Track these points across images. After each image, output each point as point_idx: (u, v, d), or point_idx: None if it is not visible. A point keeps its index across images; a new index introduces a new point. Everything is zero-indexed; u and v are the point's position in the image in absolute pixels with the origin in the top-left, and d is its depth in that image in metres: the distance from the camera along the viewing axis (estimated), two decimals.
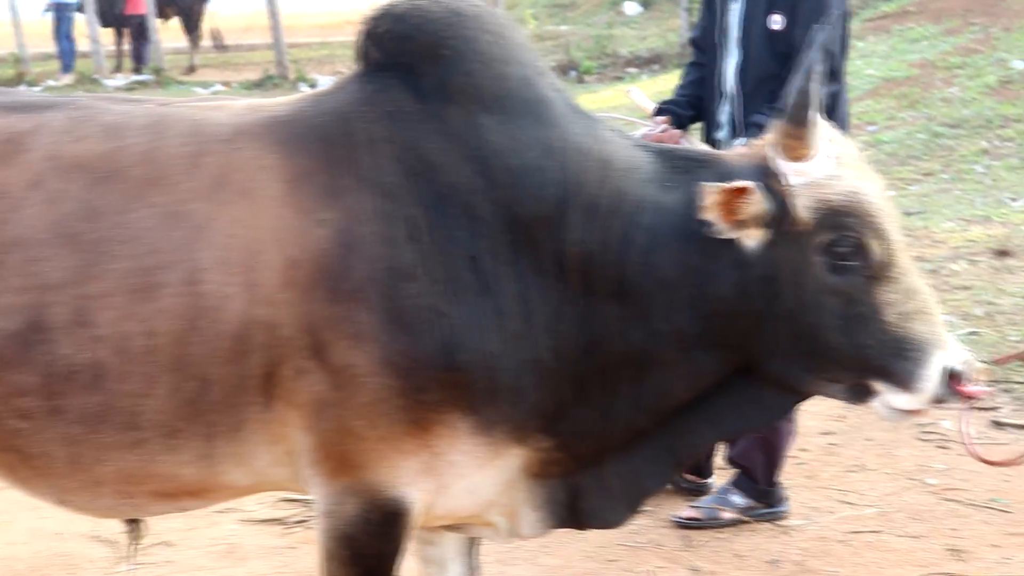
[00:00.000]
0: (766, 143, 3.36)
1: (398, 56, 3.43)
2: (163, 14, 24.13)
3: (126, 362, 3.29)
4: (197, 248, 3.30)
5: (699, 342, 3.36)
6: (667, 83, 18.06)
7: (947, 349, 3.27)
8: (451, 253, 3.29)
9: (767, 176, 3.29)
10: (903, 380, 3.26)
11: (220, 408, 3.33)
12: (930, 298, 3.33)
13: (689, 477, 5.68)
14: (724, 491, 5.50)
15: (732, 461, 5.51)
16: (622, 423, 3.46)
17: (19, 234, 3.32)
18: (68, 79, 22.60)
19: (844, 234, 3.23)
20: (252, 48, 24.61)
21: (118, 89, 21.51)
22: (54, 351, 3.29)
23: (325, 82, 20.97)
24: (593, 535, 5.24)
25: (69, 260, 3.30)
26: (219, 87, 21.14)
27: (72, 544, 5.27)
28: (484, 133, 3.35)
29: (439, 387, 3.29)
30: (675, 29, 22.12)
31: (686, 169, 3.44)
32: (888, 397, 3.30)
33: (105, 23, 23.55)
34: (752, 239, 3.28)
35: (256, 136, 3.42)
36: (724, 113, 5.25)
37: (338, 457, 3.35)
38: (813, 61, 3.16)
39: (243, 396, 3.33)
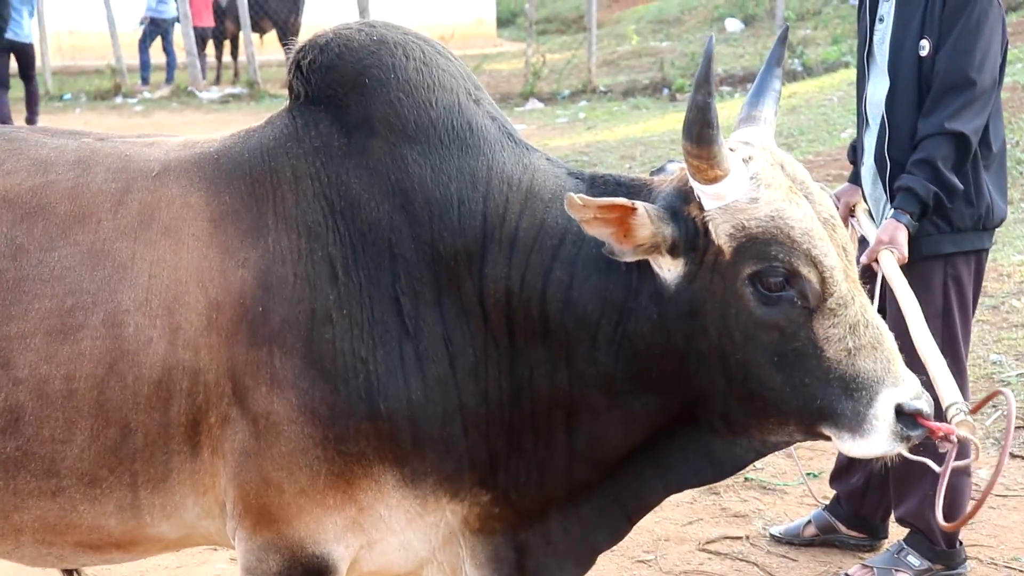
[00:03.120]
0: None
1: (323, 88, 3.31)
2: (258, 27, 24.29)
3: (44, 406, 3.20)
4: (119, 289, 3.20)
5: (627, 384, 3.16)
6: None
7: (899, 386, 3.00)
8: (372, 294, 3.17)
9: (687, 200, 3.06)
10: (850, 423, 2.99)
11: (144, 456, 3.22)
12: (882, 332, 3.05)
13: (855, 534, 5.41)
14: (900, 550, 5.13)
15: (903, 522, 5.14)
16: (561, 473, 3.28)
17: None
18: (165, 91, 22.82)
19: (771, 262, 2.98)
20: None
21: (211, 102, 21.67)
22: None
23: None
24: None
25: None
26: None
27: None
28: (406, 165, 3.22)
29: (361, 437, 3.15)
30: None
31: (613, 195, 3.21)
32: (839, 444, 3.04)
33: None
34: (668, 270, 3.07)
35: (183, 173, 3.31)
36: (869, 143, 4.93)
37: (259, 510, 3.23)
38: (703, 73, 2.91)
39: (168, 444, 3.22)
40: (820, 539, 5.42)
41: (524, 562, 3.40)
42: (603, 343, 3.15)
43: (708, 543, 5.49)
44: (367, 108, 3.26)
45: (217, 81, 24.15)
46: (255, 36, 24.12)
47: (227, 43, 24.84)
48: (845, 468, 5.40)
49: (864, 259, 4.66)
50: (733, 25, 26.66)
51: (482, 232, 3.19)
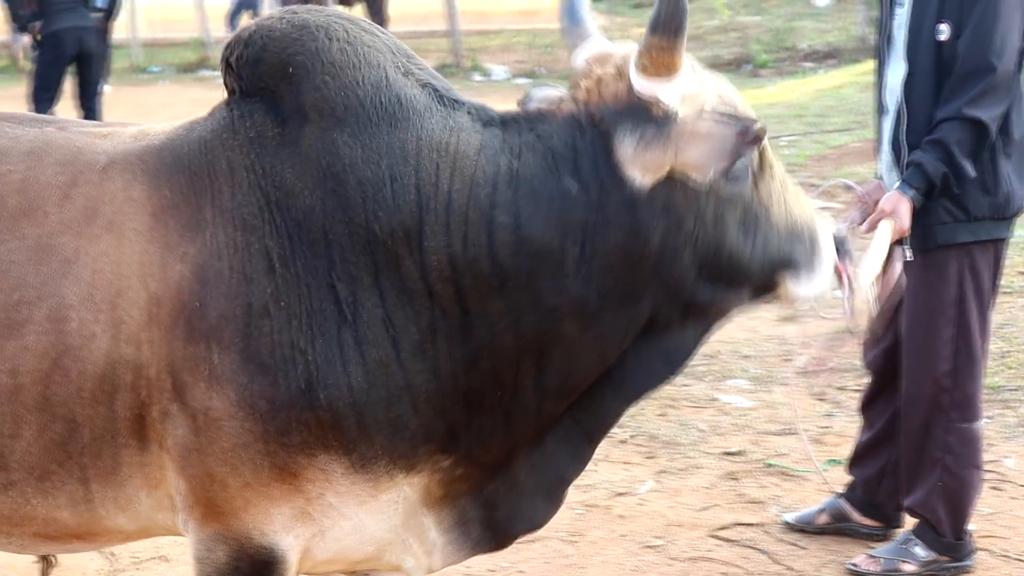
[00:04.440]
0: (626, 70, 3.19)
1: (254, 81, 3.29)
2: (345, 2, 24.27)
3: None
4: (64, 283, 3.19)
5: (601, 302, 3.20)
6: (836, 79, 17.67)
7: (825, 220, 3.42)
8: (309, 284, 3.15)
9: (647, 105, 3.15)
10: (806, 264, 3.33)
11: (92, 451, 3.22)
12: (795, 183, 3.41)
13: (868, 522, 5.32)
14: (906, 540, 5.04)
15: (911, 511, 5.07)
16: (530, 417, 3.31)
17: None
18: None
19: None
20: (431, 35, 24.48)
21: None
22: None
23: (499, 72, 20.89)
24: (590, 570, 5.01)
25: None
26: None
27: (72, 554, 5.16)
28: (337, 148, 3.19)
29: (303, 428, 3.14)
30: (857, 23, 21.33)
31: (529, 128, 3.27)
32: (794, 290, 3.35)
33: None
34: (649, 176, 3.16)
35: (128, 166, 3.29)
36: (886, 130, 4.85)
37: (206, 503, 3.22)
38: None
39: (115, 439, 3.22)
40: (832, 527, 5.33)
41: (494, 515, 3.41)
42: (571, 268, 3.17)
43: (719, 529, 5.41)
44: (297, 96, 3.23)
45: None
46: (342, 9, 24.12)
47: None
48: (864, 453, 5.31)
49: (864, 227, 4.61)
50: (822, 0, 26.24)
51: (417, 205, 3.17)
